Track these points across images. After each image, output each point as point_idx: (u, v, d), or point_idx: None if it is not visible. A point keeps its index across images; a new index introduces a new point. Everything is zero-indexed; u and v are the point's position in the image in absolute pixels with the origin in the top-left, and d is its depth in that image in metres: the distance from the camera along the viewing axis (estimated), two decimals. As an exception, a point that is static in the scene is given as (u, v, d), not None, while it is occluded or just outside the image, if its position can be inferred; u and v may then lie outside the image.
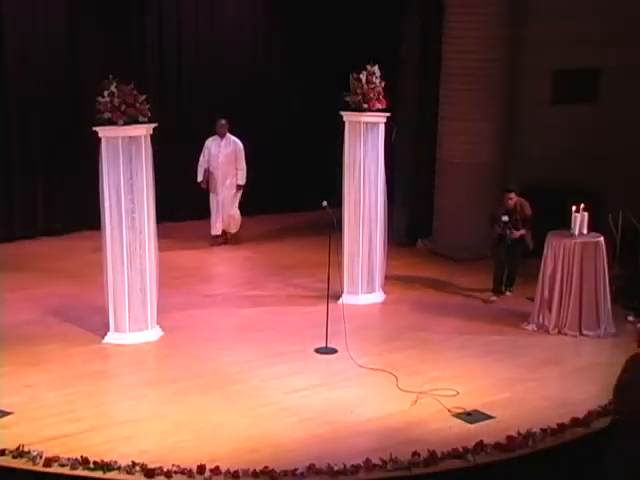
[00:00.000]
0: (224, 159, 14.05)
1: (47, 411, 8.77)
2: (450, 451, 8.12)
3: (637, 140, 14.39)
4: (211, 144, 14.12)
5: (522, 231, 11.80)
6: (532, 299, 11.31)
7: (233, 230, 14.43)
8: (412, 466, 7.94)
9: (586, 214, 11.07)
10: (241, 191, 14.30)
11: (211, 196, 14.30)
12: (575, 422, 8.71)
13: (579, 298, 10.97)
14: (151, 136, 10.38)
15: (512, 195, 11.72)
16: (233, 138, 14.12)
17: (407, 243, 14.08)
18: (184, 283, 12.43)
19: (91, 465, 7.78)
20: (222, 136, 14.08)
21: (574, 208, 10.96)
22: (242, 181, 14.18)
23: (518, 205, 11.75)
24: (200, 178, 14.13)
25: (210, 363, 9.97)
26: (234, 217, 14.37)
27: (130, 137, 10.13)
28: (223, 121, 14.01)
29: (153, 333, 10.62)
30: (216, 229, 14.36)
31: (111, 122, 10.07)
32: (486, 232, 12.28)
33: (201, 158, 14.12)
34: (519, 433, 8.44)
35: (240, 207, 15.34)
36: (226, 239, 14.41)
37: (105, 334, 10.48)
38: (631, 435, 7.19)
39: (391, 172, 12.81)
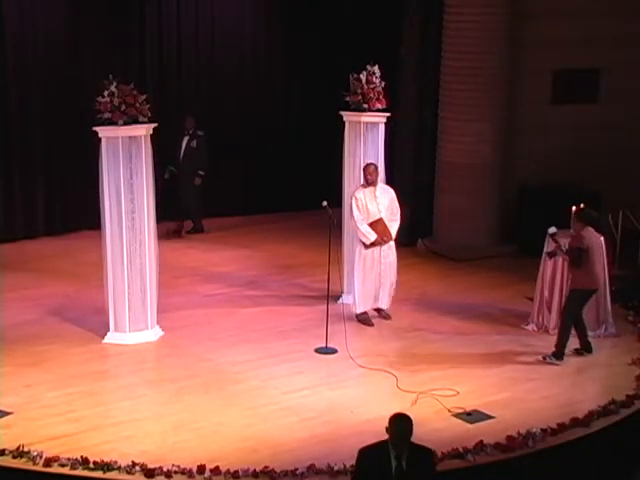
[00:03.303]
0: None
1: (47, 411, 8.77)
2: (450, 451, 8.12)
3: (637, 140, 14.40)
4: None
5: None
6: (532, 299, 11.30)
7: None
8: (412, 466, 7.94)
9: (586, 214, 11.06)
10: None
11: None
12: (575, 422, 8.72)
13: (579, 298, 10.97)
14: (151, 136, 10.40)
15: None
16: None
17: (407, 243, 14.04)
18: (184, 283, 12.42)
19: (91, 465, 7.79)
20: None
21: (574, 208, 10.95)
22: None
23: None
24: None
25: (210, 363, 9.97)
26: None
27: (130, 137, 10.13)
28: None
29: (153, 333, 10.61)
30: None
31: (111, 122, 10.06)
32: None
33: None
34: (519, 433, 8.45)
35: (240, 207, 15.42)
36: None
37: (105, 334, 10.47)
38: None
39: (391, 172, 12.80)
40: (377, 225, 10.94)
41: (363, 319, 11.09)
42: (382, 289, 11.09)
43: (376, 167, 11.05)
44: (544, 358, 10.14)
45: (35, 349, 10.14)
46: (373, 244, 10.94)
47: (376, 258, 10.99)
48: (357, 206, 10.92)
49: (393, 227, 11.05)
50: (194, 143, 14.25)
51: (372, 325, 11.07)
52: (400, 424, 6.38)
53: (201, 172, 14.27)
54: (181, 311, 11.36)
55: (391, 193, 11.09)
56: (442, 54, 13.76)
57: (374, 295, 11.12)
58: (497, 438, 8.36)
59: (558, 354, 10.12)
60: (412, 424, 6.40)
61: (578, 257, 10.08)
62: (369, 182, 10.96)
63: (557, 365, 10.06)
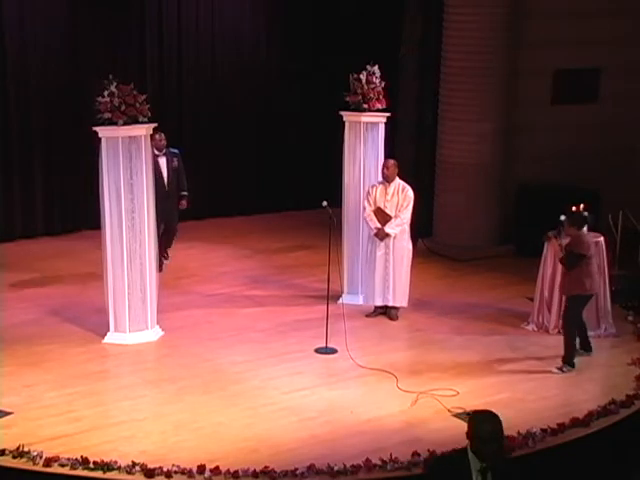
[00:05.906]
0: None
1: (47, 411, 8.77)
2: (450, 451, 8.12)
3: (637, 140, 14.40)
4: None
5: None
6: (532, 299, 11.30)
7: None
8: (412, 466, 7.94)
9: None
10: None
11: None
12: (575, 422, 8.72)
13: (579, 298, 10.96)
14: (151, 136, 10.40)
15: None
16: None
17: (407, 243, 14.07)
18: (184, 283, 12.42)
19: (91, 465, 7.78)
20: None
21: (574, 208, 10.95)
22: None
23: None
24: None
25: (210, 363, 9.97)
26: None
27: (130, 137, 10.13)
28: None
29: (153, 333, 10.61)
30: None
31: (111, 122, 10.06)
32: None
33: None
34: (519, 433, 8.44)
35: (240, 207, 15.41)
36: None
37: (105, 334, 10.47)
38: None
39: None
40: (377, 214, 11.08)
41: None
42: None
43: (394, 164, 11.14)
44: (560, 369, 9.93)
45: (35, 349, 10.13)
46: (377, 234, 11.07)
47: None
48: (367, 199, 11.14)
49: (392, 221, 11.02)
50: (175, 163, 12.71)
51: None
52: (487, 424, 4.90)
53: (184, 193, 12.85)
54: (181, 311, 11.36)
55: (406, 192, 11.06)
56: (442, 54, 13.77)
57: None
58: (497, 438, 8.35)
59: (569, 361, 9.97)
60: (502, 425, 4.95)
61: (575, 261, 9.90)
62: (384, 177, 11.11)
63: (571, 371, 9.90)
